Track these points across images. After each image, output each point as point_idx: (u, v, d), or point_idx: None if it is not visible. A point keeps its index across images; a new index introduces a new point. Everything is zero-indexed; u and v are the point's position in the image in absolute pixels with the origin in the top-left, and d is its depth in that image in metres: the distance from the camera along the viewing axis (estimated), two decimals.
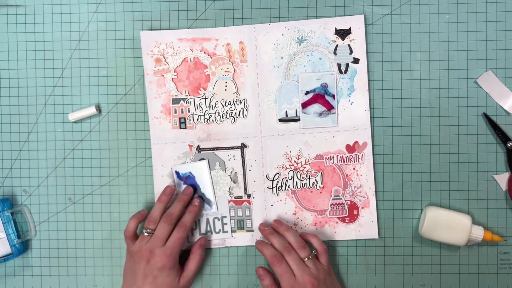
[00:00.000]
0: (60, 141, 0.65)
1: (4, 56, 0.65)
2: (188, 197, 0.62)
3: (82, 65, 0.65)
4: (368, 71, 0.63)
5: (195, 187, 0.64)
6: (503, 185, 0.63)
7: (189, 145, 0.64)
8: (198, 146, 0.64)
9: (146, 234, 0.60)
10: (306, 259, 0.59)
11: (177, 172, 0.64)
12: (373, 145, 0.64)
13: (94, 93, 0.65)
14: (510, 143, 0.62)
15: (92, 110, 0.64)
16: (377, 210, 0.64)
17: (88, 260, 0.65)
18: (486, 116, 0.63)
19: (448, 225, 0.60)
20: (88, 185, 0.65)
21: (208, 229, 0.64)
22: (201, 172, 0.64)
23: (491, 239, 0.61)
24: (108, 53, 0.65)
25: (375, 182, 0.64)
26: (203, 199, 0.64)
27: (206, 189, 0.64)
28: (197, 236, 0.64)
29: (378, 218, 0.64)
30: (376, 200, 0.64)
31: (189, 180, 0.64)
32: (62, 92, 0.65)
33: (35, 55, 0.65)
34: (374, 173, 0.64)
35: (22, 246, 0.64)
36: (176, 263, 0.59)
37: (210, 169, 0.64)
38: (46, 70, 0.65)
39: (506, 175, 0.63)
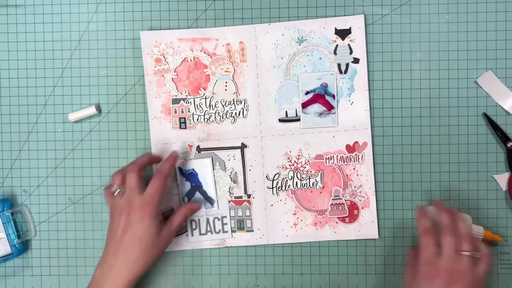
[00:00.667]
0: (60, 141, 0.65)
1: (4, 56, 0.65)
2: (159, 159, 0.61)
3: (82, 65, 0.65)
4: (368, 71, 0.63)
5: (197, 185, 0.64)
6: (503, 185, 0.63)
7: (189, 145, 0.64)
8: (198, 146, 0.64)
9: (116, 194, 0.57)
10: (463, 253, 0.53)
11: (180, 169, 0.64)
12: (373, 145, 0.64)
13: (94, 93, 0.65)
14: (510, 143, 0.62)
15: (92, 110, 0.64)
16: (377, 210, 0.64)
17: (88, 260, 0.65)
18: (486, 116, 0.63)
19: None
20: (88, 185, 0.65)
21: (208, 229, 0.64)
22: (204, 170, 0.64)
23: (492, 239, 0.61)
24: (108, 53, 0.65)
25: (375, 182, 0.64)
26: (204, 197, 0.64)
27: (208, 187, 0.64)
28: (197, 237, 0.64)
29: (378, 218, 0.64)
30: (376, 200, 0.64)
31: (191, 177, 0.64)
32: (62, 92, 0.65)
33: (35, 55, 0.65)
34: (374, 173, 0.64)
35: (22, 246, 0.64)
36: (157, 214, 0.57)
37: (213, 168, 0.64)
38: (46, 70, 0.65)
39: (506, 175, 0.63)
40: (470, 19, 0.63)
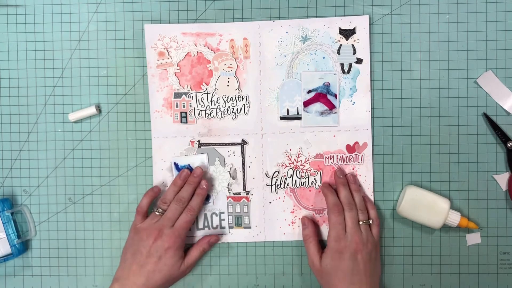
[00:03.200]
0: (60, 141, 0.65)
1: (4, 56, 0.65)
2: (198, 179, 0.62)
3: (82, 65, 0.65)
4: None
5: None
6: (503, 185, 0.63)
7: (190, 141, 0.64)
8: (198, 141, 0.64)
9: (157, 213, 0.60)
10: (361, 223, 0.60)
11: (176, 164, 0.64)
12: (373, 145, 0.64)
13: (94, 93, 0.65)
14: (510, 143, 0.62)
15: (92, 110, 0.64)
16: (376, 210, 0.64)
17: (88, 260, 0.65)
18: (486, 116, 0.63)
19: (426, 206, 0.61)
20: (88, 185, 0.65)
21: (206, 224, 0.64)
22: (201, 166, 0.64)
23: (466, 225, 0.61)
24: (108, 53, 0.65)
25: (374, 182, 0.64)
26: None
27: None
28: (194, 231, 0.64)
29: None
30: (376, 200, 0.64)
31: None
32: (62, 92, 0.65)
33: (35, 55, 0.65)
34: (373, 173, 0.64)
35: (22, 246, 0.64)
36: (182, 246, 0.60)
37: (209, 164, 0.64)
38: (46, 70, 0.65)
39: (506, 175, 0.63)
40: (470, 19, 0.63)
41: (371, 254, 0.59)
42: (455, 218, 0.61)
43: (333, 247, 0.58)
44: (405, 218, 0.63)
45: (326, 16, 0.64)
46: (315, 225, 0.63)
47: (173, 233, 0.59)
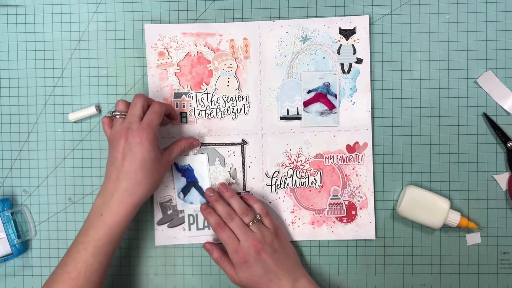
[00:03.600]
0: (60, 141, 0.65)
1: (4, 56, 0.65)
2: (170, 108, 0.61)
3: (82, 65, 0.65)
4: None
5: (192, 181, 0.64)
6: (503, 185, 0.63)
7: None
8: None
9: (118, 117, 0.57)
10: (250, 224, 0.59)
11: (175, 164, 0.64)
12: (373, 145, 0.64)
13: (94, 93, 0.65)
14: (510, 143, 0.62)
15: (92, 110, 0.64)
16: (375, 210, 0.64)
17: None
18: (486, 116, 0.63)
19: (426, 206, 0.61)
20: (88, 185, 0.65)
21: (206, 224, 0.64)
22: (200, 166, 0.64)
23: (466, 225, 0.61)
24: (108, 53, 0.65)
25: (374, 182, 0.64)
26: (200, 193, 0.64)
27: (204, 183, 0.64)
28: (194, 231, 0.64)
29: (376, 219, 0.64)
30: (376, 200, 0.64)
31: (187, 172, 0.64)
32: (62, 92, 0.65)
33: (35, 55, 0.65)
34: (374, 173, 0.64)
35: (22, 246, 0.64)
36: (155, 139, 0.56)
37: (209, 164, 0.64)
38: (46, 70, 0.65)
39: (506, 175, 0.63)
40: (470, 19, 0.63)
41: (273, 246, 0.59)
42: (455, 218, 0.61)
43: (236, 261, 0.58)
44: (405, 218, 0.63)
45: (326, 16, 0.64)
46: (218, 246, 0.62)
47: (141, 126, 0.55)
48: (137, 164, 0.55)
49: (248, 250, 0.57)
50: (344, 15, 0.63)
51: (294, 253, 0.62)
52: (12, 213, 0.65)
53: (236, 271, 0.58)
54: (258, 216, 0.60)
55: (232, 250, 0.58)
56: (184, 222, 0.64)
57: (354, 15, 0.63)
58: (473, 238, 0.64)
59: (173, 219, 0.65)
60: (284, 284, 0.57)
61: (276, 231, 0.61)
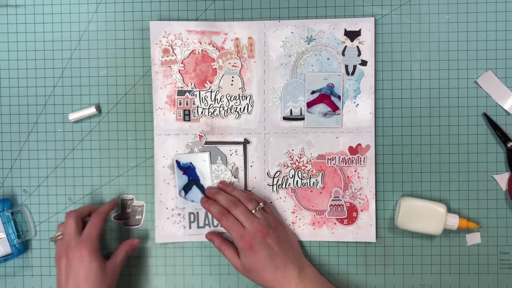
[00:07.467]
0: (60, 141, 0.65)
1: (4, 56, 0.65)
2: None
3: (82, 65, 0.65)
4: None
5: (194, 179, 0.64)
6: (503, 185, 0.63)
7: (199, 135, 0.64)
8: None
9: (60, 237, 0.59)
10: (254, 211, 0.60)
11: (177, 162, 0.64)
12: (375, 146, 0.64)
13: (94, 93, 0.65)
14: (510, 143, 0.62)
15: (92, 110, 0.64)
16: (376, 210, 0.64)
17: None
18: (486, 116, 0.63)
19: (423, 214, 0.61)
20: (88, 185, 0.65)
21: (206, 222, 0.64)
22: (202, 164, 0.64)
23: (467, 226, 0.61)
24: (108, 53, 0.65)
25: (376, 183, 0.64)
26: (202, 191, 0.64)
27: (205, 181, 0.64)
28: (195, 230, 0.64)
29: (377, 220, 0.64)
30: (377, 200, 0.64)
31: (189, 170, 0.64)
32: (62, 92, 0.65)
33: (35, 55, 0.65)
34: (376, 174, 0.64)
35: (22, 246, 0.64)
36: (96, 250, 0.57)
37: (211, 162, 0.64)
38: (46, 70, 0.65)
39: (506, 175, 0.63)
40: (470, 19, 0.63)
41: (278, 231, 0.59)
42: (454, 221, 0.60)
43: (241, 246, 0.58)
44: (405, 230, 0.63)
45: (325, 17, 0.63)
46: (219, 234, 0.63)
47: (81, 240, 0.57)
48: (80, 279, 0.55)
49: (255, 235, 0.57)
50: (344, 15, 0.63)
51: (297, 243, 0.63)
52: (12, 213, 0.65)
53: (241, 257, 0.59)
54: (261, 204, 0.61)
55: (237, 236, 0.58)
56: (139, 224, 0.65)
57: (359, 17, 0.63)
58: (473, 238, 0.64)
59: (130, 218, 0.65)
60: (289, 270, 0.57)
61: (278, 219, 0.62)
